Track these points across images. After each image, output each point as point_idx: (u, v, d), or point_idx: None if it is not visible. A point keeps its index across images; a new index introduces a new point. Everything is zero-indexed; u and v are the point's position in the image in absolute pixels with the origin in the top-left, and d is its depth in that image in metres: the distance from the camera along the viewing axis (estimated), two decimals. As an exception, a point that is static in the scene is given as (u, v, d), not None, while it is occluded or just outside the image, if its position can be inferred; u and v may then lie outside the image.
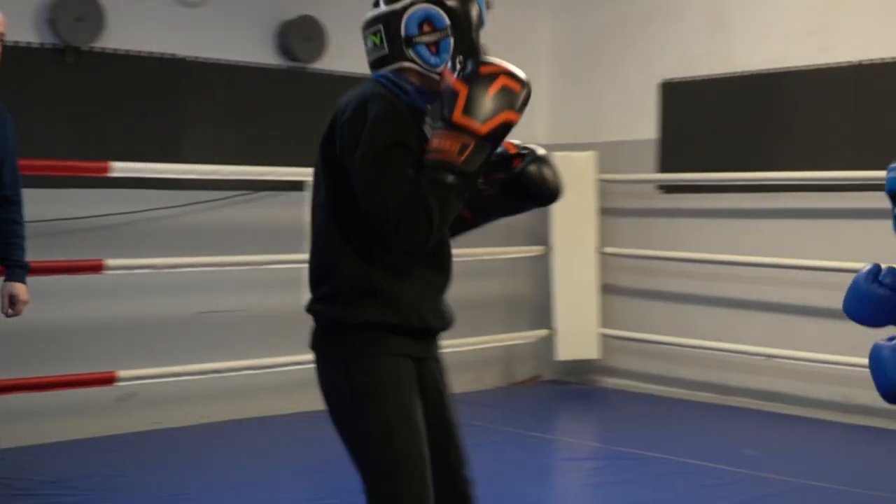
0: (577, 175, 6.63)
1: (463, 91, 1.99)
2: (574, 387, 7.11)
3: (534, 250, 6.85)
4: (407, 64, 2.09)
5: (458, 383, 6.19)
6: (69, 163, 4.93)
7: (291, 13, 5.87)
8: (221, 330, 5.65)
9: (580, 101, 7.22)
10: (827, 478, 4.71)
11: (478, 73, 2.03)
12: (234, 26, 5.77)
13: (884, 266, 2.62)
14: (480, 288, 6.86)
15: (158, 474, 4.54)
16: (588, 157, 6.77)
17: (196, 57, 5.60)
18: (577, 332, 6.84)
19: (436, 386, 2.20)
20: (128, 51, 5.32)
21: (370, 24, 2.13)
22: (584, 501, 4.76)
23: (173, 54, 5.46)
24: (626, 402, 6.69)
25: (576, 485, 4.90)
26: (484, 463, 4.41)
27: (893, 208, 2.69)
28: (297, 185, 5.75)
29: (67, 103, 5.26)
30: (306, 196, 5.77)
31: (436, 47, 2.09)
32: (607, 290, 7.00)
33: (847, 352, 5.55)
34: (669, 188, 6.70)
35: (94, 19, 5.11)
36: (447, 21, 2.09)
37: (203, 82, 5.65)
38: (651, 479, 4.75)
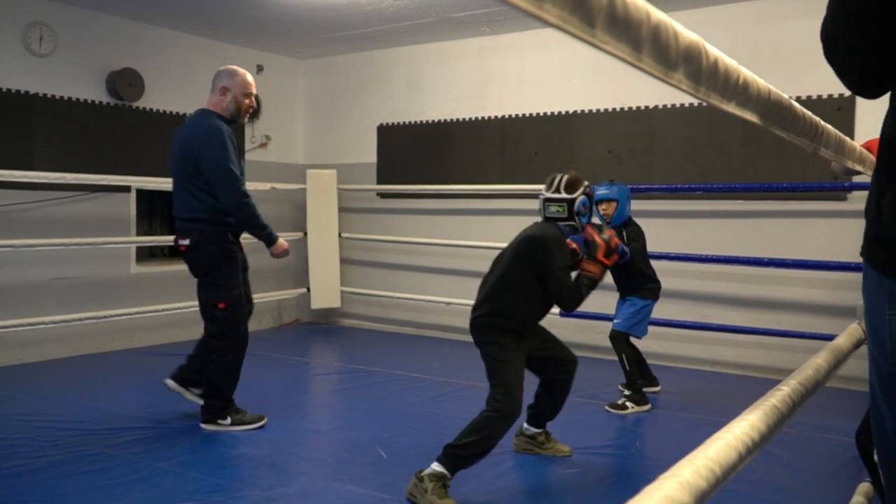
0: (324, 185, 7.21)
1: (601, 244, 3.21)
2: (323, 326, 7.59)
3: (296, 235, 7.19)
4: (571, 222, 3.27)
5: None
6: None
7: (118, 65, 6.07)
8: (68, 291, 5.77)
9: (326, 136, 7.73)
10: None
11: (602, 231, 3.28)
12: (74, 72, 5.84)
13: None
14: (261, 260, 6.77)
15: (23, 395, 4.61)
16: (331, 173, 7.28)
17: (45, 93, 5.67)
18: (325, 289, 7.28)
19: (540, 337, 3.37)
20: (-10, 87, 5.37)
21: (556, 201, 3.27)
22: (332, 401, 4.85)
23: (27, 91, 5.57)
24: (357, 335, 7.12)
25: (325, 391, 5.11)
26: (262, 380, 4.97)
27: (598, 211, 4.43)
28: (122, 189, 6.04)
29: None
30: (130, 196, 6.11)
31: (584, 216, 3.31)
32: (344, 261, 7.50)
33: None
34: (384, 195, 7.33)
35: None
36: (589, 203, 3.33)
37: (51, 112, 5.70)
38: (375, 385, 5.06)
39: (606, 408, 4.46)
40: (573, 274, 3.25)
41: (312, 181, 7.22)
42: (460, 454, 3.02)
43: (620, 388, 4.58)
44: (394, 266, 7.26)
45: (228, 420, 3.98)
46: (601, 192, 4.49)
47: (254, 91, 4.03)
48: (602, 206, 4.47)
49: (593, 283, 3.20)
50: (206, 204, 3.79)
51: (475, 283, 6.53)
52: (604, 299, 5.39)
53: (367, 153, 7.47)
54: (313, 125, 7.82)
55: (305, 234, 7.27)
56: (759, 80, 0.90)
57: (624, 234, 4.39)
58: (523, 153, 6.52)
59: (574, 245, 3.24)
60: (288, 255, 4.08)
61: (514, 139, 6.59)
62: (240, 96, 3.91)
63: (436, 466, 3.01)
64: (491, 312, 3.19)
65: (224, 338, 3.92)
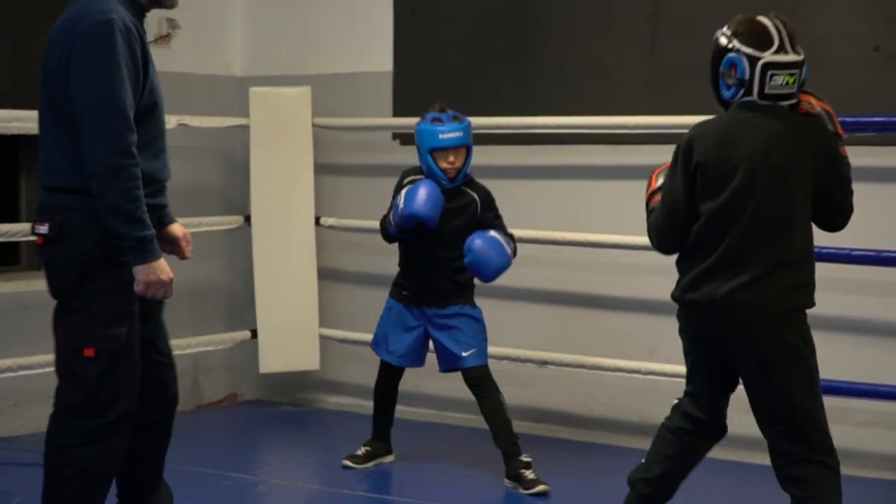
0: (285, 119, 5.51)
1: (831, 110, 2.99)
2: (284, 408, 5.95)
3: (227, 221, 5.45)
4: (793, 101, 2.88)
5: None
6: None
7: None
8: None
9: (289, 23, 5.84)
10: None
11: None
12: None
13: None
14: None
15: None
16: (299, 94, 5.49)
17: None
18: (288, 333, 5.59)
19: None
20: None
21: (786, 66, 2.73)
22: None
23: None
24: (352, 425, 5.33)
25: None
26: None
27: None
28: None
29: None
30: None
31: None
32: (327, 275, 5.65)
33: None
34: (408, 138, 5.17)
35: None
36: None
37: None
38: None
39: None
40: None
41: (262, 111, 5.51)
42: None
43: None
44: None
45: None
46: (450, 134, 4.12)
47: None
48: (450, 157, 4.09)
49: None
50: (81, 160, 2.92)
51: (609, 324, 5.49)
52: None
53: (374, 54, 5.69)
54: (263, 2, 6.09)
55: (248, 219, 5.49)
56: None
57: (478, 202, 4.12)
58: (695, 49, 4.65)
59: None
60: (165, 294, 2.96)
61: (678, 20, 4.83)
62: None
63: None
64: (797, 285, 2.75)
65: (89, 413, 2.87)
